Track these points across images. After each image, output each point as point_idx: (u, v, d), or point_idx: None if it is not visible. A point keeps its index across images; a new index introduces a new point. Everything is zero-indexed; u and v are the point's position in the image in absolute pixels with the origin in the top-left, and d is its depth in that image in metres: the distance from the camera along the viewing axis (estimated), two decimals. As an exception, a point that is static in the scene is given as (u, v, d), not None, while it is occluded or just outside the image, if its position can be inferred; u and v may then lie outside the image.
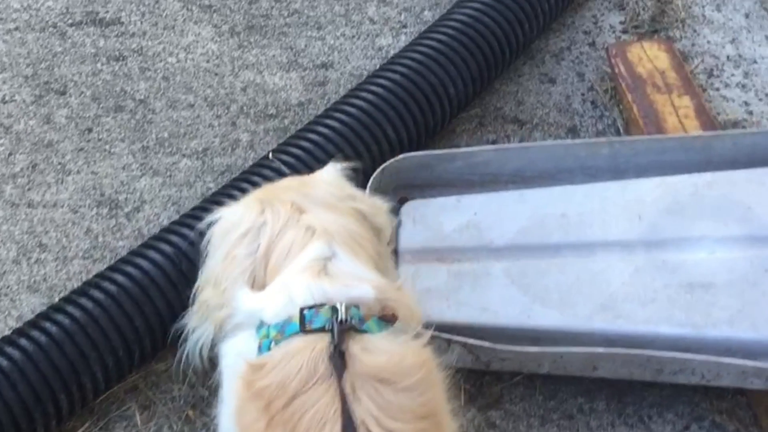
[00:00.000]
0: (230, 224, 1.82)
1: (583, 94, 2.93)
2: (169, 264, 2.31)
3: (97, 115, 2.83)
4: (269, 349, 1.65)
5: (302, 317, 1.64)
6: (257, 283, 1.77)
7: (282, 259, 1.75)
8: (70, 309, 2.24)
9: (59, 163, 2.73)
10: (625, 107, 2.82)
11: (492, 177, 2.59)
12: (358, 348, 1.61)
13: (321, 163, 2.34)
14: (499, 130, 2.85)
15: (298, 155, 2.49)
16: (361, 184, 2.46)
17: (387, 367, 1.60)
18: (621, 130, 2.84)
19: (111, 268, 2.33)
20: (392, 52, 2.98)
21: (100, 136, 2.78)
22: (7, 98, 2.86)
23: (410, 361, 1.63)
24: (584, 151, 2.57)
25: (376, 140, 2.57)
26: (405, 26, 3.07)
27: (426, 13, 3.10)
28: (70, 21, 3.04)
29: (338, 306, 1.64)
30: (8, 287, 2.49)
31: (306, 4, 3.12)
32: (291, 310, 1.66)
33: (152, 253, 2.33)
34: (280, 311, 1.67)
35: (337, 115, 2.59)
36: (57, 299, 2.42)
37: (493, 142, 2.82)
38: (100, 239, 2.58)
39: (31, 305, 2.46)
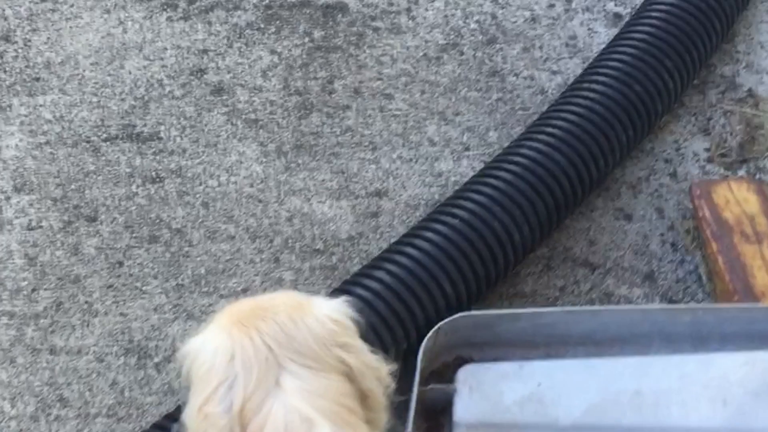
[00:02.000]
0: (203, 367, 1.68)
1: (662, 234, 2.77)
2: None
3: (129, 246, 2.71)
4: None
5: None
6: None
7: None
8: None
9: (86, 302, 2.60)
10: (708, 257, 2.65)
11: (559, 339, 2.44)
12: None
13: (370, 326, 2.21)
14: (568, 275, 2.69)
15: (345, 314, 2.34)
16: (416, 344, 2.34)
17: None
18: (704, 279, 2.67)
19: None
20: (452, 179, 2.84)
21: (132, 271, 2.66)
22: (33, 224, 2.74)
23: None
24: (663, 317, 2.41)
25: (431, 298, 2.43)
26: (467, 149, 2.92)
27: (491, 133, 2.95)
28: (104, 135, 2.92)
29: None
30: (24, 450, 2.38)
31: (360, 121, 2.98)
32: None
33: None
34: None
35: (389, 266, 2.45)
36: (76, 465, 2.32)
37: (562, 289, 2.67)
38: (126, 394, 2.46)
39: (47, 472, 2.34)
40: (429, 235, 2.50)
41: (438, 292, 2.44)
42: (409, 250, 2.47)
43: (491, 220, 2.53)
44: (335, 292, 2.44)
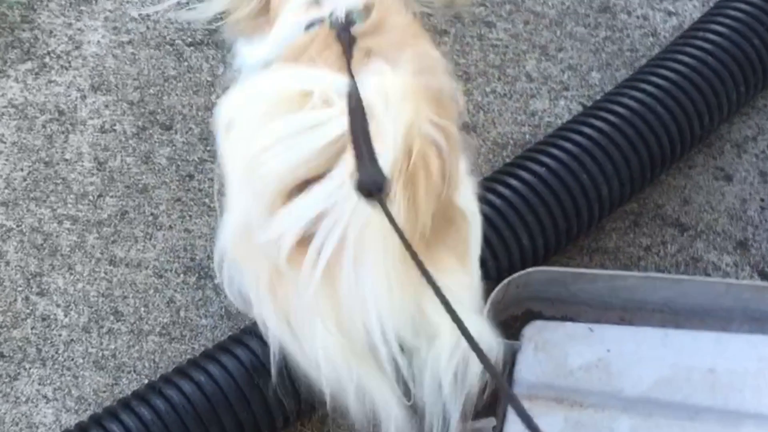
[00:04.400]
0: None
1: (762, 200, 2.70)
2: (243, 375, 2.20)
3: (201, 159, 2.71)
4: None
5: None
6: None
7: None
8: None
9: (151, 214, 2.62)
10: (808, 231, 2.58)
11: (636, 304, 2.40)
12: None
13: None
14: (655, 234, 2.64)
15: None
16: (485, 295, 2.31)
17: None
18: (801, 253, 2.61)
19: (178, 371, 2.22)
20: (546, 119, 2.79)
21: (201, 186, 2.67)
22: (107, 127, 2.76)
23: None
24: (749, 293, 2.35)
25: (506, 248, 2.40)
26: (566, 89, 2.86)
27: (593, 74, 2.89)
28: (189, 39, 2.92)
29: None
30: (72, 360, 2.41)
31: (457, 48, 2.93)
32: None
33: (225, 359, 2.22)
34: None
35: (465, 212, 2.41)
36: (123, 381, 2.36)
37: (647, 248, 2.62)
38: (182, 314, 2.48)
39: (94, 385, 2.38)
40: (512, 182, 2.46)
41: (515, 245, 2.41)
42: (489, 196, 2.44)
43: (579, 172, 2.49)
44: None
